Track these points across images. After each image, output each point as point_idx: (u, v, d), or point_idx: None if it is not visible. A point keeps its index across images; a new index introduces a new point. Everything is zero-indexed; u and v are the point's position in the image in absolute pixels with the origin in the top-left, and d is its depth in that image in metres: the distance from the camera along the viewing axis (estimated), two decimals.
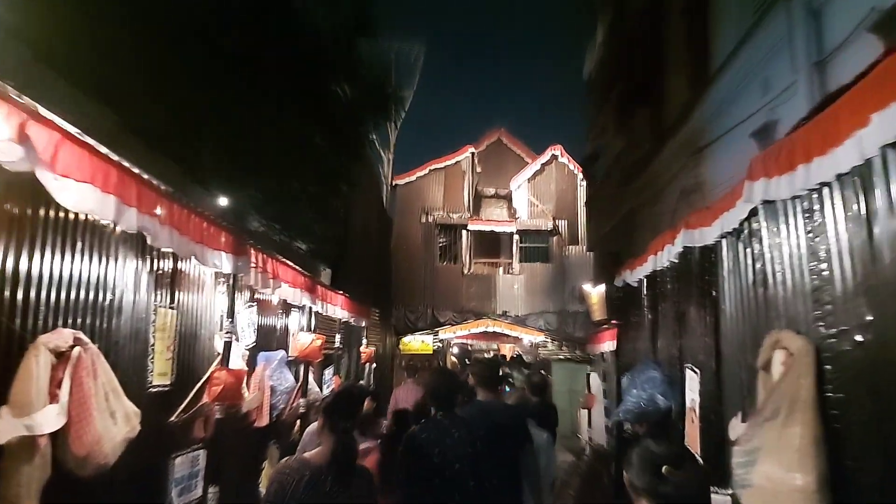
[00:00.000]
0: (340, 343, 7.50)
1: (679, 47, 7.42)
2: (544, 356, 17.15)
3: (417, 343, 16.94)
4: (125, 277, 3.57)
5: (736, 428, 3.16)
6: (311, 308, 5.85)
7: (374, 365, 12.52)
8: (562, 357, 17.21)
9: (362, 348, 8.72)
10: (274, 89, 5.37)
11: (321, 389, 7.42)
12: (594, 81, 12.88)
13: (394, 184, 17.91)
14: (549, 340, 17.15)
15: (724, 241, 3.59)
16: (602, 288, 10.86)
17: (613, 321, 9.50)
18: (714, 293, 3.74)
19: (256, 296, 5.84)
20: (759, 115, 5.25)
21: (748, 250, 3.20)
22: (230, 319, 4.04)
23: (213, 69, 4.65)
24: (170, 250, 3.58)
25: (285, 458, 2.87)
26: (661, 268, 4.98)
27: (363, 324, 8.41)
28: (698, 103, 6.65)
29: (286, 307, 6.42)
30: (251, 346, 5.74)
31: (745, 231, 3.23)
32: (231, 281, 4.11)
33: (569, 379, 17.33)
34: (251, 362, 5.75)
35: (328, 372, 8.20)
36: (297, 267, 5.26)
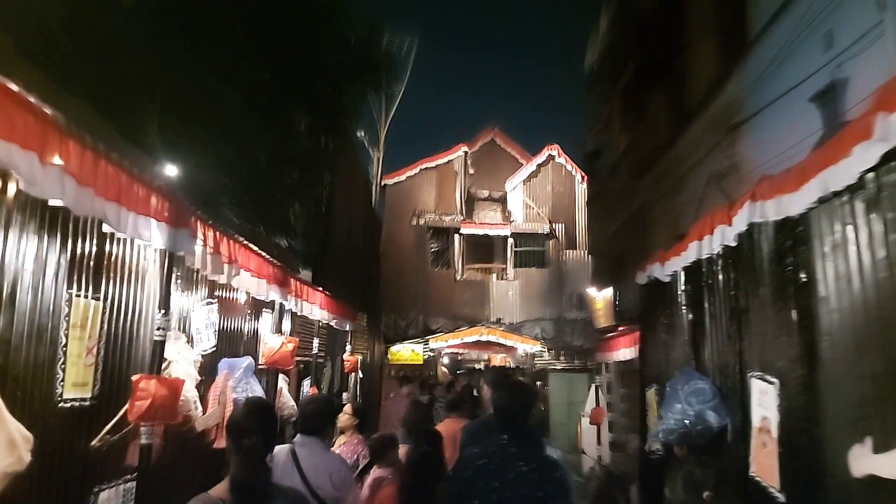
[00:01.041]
0: (320, 349, 6.55)
1: (707, 15, 6.61)
2: (541, 366, 16.27)
3: (407, 352, 15.97)
4: (22, 256, 2.65)
5: (862, 459, 2.28)
6: (282, 306, 4.90)
7: (360, 375, 11.55)
8: (559, 367, 16.35)
9: (346, 356, 7.75)
10: (237, 42, 4.46)
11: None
12: (598, 72, 12.09)
13: (383, 184, 17.00)
14: (545, 349, 16.25)
15: (820, 209, 2.72)
16: (608, 292, 10.01)
17: (624, 326, 8.66)
18: (804, 279, 2.85)
19: (218, 292, 4.92)
20: (819, 75, 4.41)
21: (874, 215, 2.32)
22: (163, 311, 3.10)
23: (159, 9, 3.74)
24: (104, 223, 2.66)
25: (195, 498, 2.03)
26: (710, 255, 4.10)
27: (347, 328, 7.45)
28: (733, 74, 5.83)
29: (257, 306, 5.48)
30: (209, 350, 4.84)
31: (869, 188, 2.35)
32: (167, 261, 3.17)
33: (567, 390, 16.42)
34: (210, 370, 4.86)
35: (307, 383, 7.24)
36: (263, 253, 4.32)
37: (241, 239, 3.96)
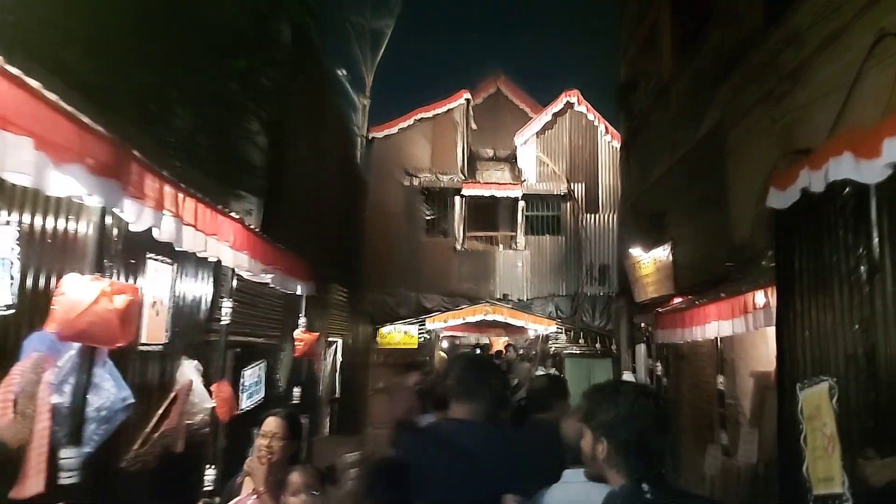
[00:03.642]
0: (241, 318, 4.12)
1: None
2: (555, 350, 13.91)
3: (399, 335, 13.58)
4: None
5: None
6: (106, 221, 2.41)
7: (339, 359, 9.16)
8: (577, 351, 13.97)
9: (296, 333, 5.30)
10: None
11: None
12: None
13: (370, 136, 14.46)
14: (560, 330, 13.88)
15: None
16: (660, 252, 7.58)
17: (686, 294, 6.28)
18: None
19: (20, 210, 2.51)
20: None
21: None
22: None
23: None
24: None
25: None
26: None
27: (299, 291, 5.00)
28: None
29: (139, 244, 3.04)
30: None
31: None
32: None
33: (586, 379, 14.16)
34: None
35: (250, 373, 4.83)
36: (33, 83, 1.83)
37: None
